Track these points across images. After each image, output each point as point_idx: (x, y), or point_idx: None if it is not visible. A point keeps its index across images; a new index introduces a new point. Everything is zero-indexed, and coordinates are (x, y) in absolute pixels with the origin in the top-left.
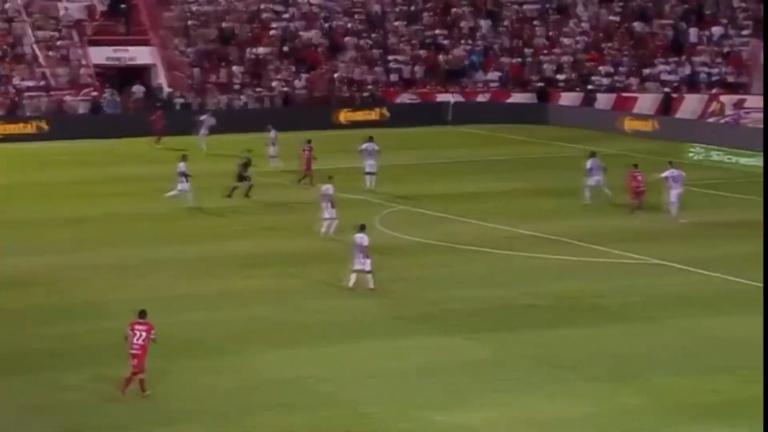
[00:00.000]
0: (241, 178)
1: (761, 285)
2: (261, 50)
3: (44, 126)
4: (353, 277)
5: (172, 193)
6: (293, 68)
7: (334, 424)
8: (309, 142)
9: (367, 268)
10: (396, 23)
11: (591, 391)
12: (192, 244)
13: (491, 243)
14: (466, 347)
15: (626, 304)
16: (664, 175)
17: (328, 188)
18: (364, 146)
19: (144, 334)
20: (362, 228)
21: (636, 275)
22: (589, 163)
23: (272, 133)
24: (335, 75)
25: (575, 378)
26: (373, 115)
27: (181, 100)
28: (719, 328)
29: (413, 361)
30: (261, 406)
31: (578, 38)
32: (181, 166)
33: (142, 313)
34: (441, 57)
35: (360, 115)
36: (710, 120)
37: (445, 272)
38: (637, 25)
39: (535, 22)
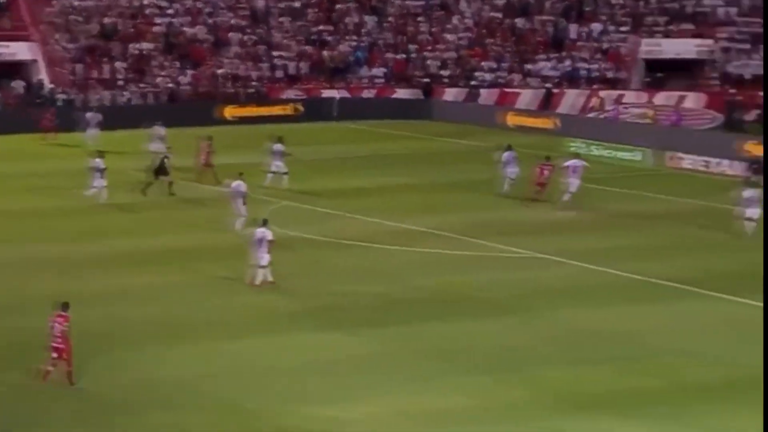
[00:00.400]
0: (158, 174)
1: (637, 276)
2: (144, 46)
3: None
4: (259, 273)
5: (91, 191)
6: (178, 64)
7: (217, 422)
8: (209, 138)
9: (264, 263)
10: (280, 19)
11: (471, 384)
12: (97, 240)
13: (376, 238)
14: (350, 342)
15: (507, 297)
16: (566, 164)
17: (239, 185)
18: (273, 147)
19: (58, 326)
20: (264, 223)
21: (517, 268)
22: (504, 156)
23: (161, 130)
24: (219, 71)
25: (456, 371)
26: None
27: (64, 96)
28: (598, 320)
29: (299, 357)
30: (147, 405)
31: (461, 34)
32: (98, 162)
33: (64, 306)
34: (326, 53)
35: (246, 111)
36: (590, 115)
37: (330, 268)
38: (519, 21)
39: (419, 19)
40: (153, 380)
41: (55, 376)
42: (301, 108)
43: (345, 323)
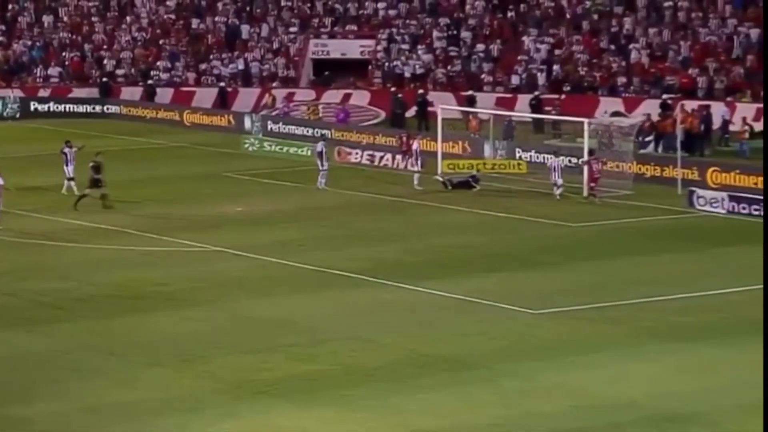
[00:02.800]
0: (95, 183)
1: (311, 267)
2: None
3: None
4: None
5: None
6: None
7: None
8: None
9: None
10: None
11: (153, 376)
12: None
13: (54, 236)
14: (28, 339)
15: (187, 290)
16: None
17: None
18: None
19: None
20: None
21: (197, 262)
22: (319, 146)
23: None
24: None
25: (138, 365)
26: None
27: None
28: (270, 309)
29: None
30: None
31: (137, 34)
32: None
33: None
34: (0, 52)
35: None
36: (263, 112)
37: (10, 266)
38: (194, 22)
39: (94, 18)
40: None
41: None
42: None
43: (23, 321)
